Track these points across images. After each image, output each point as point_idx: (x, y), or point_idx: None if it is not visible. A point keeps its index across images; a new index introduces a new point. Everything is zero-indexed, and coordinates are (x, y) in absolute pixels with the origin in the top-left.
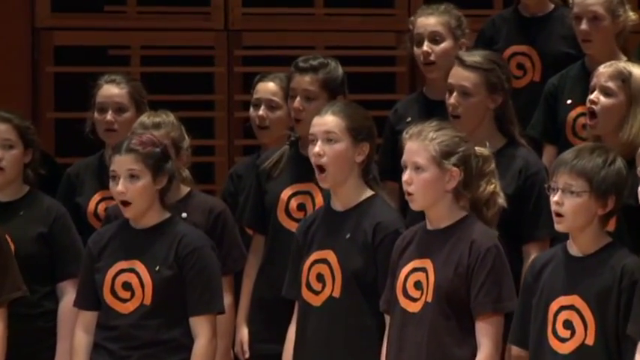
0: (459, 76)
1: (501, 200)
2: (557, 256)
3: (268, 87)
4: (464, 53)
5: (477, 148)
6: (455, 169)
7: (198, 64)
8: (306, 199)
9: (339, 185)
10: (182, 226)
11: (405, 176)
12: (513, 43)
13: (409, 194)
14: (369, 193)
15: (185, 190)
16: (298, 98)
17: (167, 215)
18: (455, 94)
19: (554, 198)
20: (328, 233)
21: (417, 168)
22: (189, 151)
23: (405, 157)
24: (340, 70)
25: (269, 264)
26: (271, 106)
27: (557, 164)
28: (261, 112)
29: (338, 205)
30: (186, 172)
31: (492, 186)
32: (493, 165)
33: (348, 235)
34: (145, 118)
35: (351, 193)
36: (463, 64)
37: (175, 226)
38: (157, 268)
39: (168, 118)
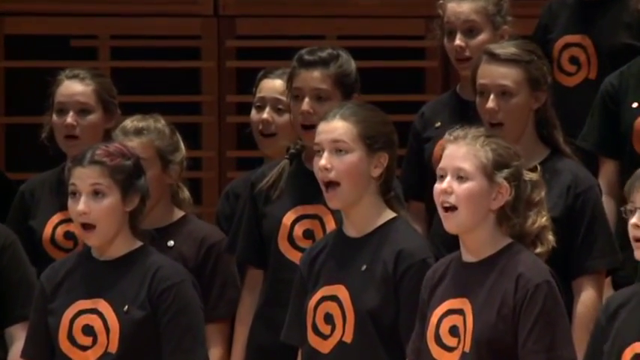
0: (495, 73)
1: (551, 237)
2: (637, 296)
3: (275, 85)
4: (494, 46)
5: (525, 171)
6: (506, 184)
7: (181, 58)
8: (314, 224)
9: (351, 206)
10: (157, 256)
11: (444, 184)
12: (567, 32)
13: (447, 208)
14: (390, 214)
15: (178, 214)
16: (307, 99)
17: (139, 244)
18: (492, 96)
19: (633, 220)
20: (339, 264)
21: (461, 177)
22: (183, 166)
23: (445, 163)
24: (353, 64)
25: (269, 305)
26: (279, 108)
27: (636, 180)
28: (265, 114)
29: (351, 231)
30: (185, 193)
31: (543, 219)
32: (544, 193)
33: (364, 267)
34: (128, 122)
35: (367, 216)
36: (497, 58)
37: (148, 256)
38: (126, 308)
39: (156, 123)
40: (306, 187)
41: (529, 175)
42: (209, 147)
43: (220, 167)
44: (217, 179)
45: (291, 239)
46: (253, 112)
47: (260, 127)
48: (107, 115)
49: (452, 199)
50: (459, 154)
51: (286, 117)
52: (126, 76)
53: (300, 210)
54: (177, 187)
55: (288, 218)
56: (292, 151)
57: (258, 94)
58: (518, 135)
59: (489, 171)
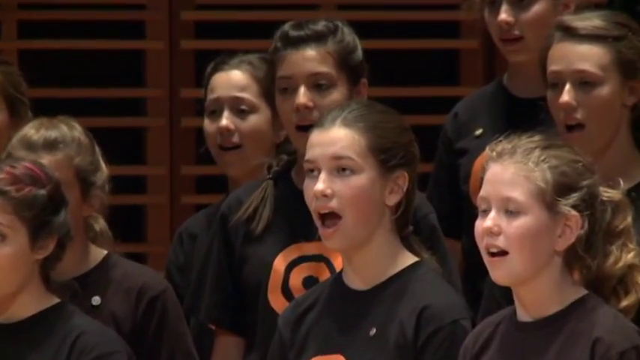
0: (572, 55)
1: None
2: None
3: (232, 78)
4: (570, 18)
5: (602, 189)
6: (575, 214)
7: (117, 37)
8: (318, 269)
9: (357, 246)
10: (79, 318)
11: (489, 222)
12: None
13: (494, 254)
14: (410, 259)
15: (98, 255)
16: (302, 89)
17: (53, 302)
18: (568, 87)
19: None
20: (337, 327)
21: (511, 211)
22: (105, 191)
23: (487, 191)
24: (357, 39)
25: None
26: (241, 109)
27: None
28: (224, 121)
29: (355, 280)
30: (101, 224)
31: (630, 255)
32: (630, 218)
33: (373, 331)
34: (32, 132)
35: (377, 260)
36: (575, 34)
37: (67, 318)
38: None
39: (72, 132)
40: (303, 217)
41: (608, 194)
42: (156, 161)
43: (172, 189)
44: (168, 206)
45: (286, 291)
46: (207, 121)
47: (218, 139)
48: (14, 118)
49: (500, 242)
50: (506, 178)
51: (253, 120)
52: (38, 64)
53: (296, 250)
54: (90, 216)
55: (281, 262)
56: (276, 168)
57: (211, 96)
58: (607, 141)
59: (550, 199)
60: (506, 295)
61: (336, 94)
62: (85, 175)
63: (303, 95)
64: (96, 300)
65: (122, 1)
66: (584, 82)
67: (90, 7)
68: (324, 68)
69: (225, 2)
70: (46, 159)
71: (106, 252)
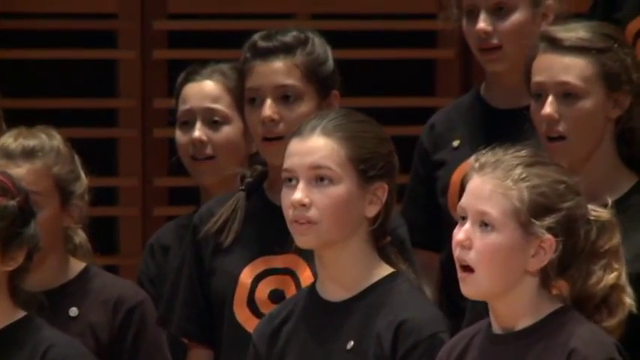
0: (555, 66)
1: (629, 300)
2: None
3: (205, 89)
4: (557, 28)
5: (591, 207)
6: (549, 237)
7: (89, 46)
8: (284, 282)
9: (330, 245)
10: (48, 331)
11: (461, 234)
12: None
13: (465, 267)
14: (386, 269)
15: (76, 267)
16: (268, 101)
17: (20, 315)
18: (551, 99)
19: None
20: (315, 340)
21: (486, 224)
22: (85, 201)
23: (466, 201)
24: (329, 50)
25: None
26: (214, 120)
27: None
28: (196, 132)
29: (330, 291)
30: (80, 237)
31: (613, 275)
32: (617, 239)
33: (350, 345)
34: (10, 140)
35: (353, 269)
36: (559, 45)
37: (35, 332)
38: None
39: (52, 141)
40: (272, 230)
41: (596, 213)
42: (128, 172)
43: (144, 201)
44: (140, 218)
45: (252, 305)
46: (178, 132)
47: (191, 150)
48: None
49: (469, 258)
50: (484, 193)
51: (226, 132)
52: (8, 72)
53: (263, 262)
54: (69, 228)
55: (248, 274)
56: (249, 179)
57: (183, 107)
58: (588, 154)
59: (524, 219)
60: (487, 308)
61: (304, 107)
62: (65, 185)
63: (268, 108)
64: (73, 311)
65: (94, 10)
66: (567, 94)
67: (61, 16)
68: (290, 80)
69: (198, 11)
70: (24, 167)
71: (84, 264)
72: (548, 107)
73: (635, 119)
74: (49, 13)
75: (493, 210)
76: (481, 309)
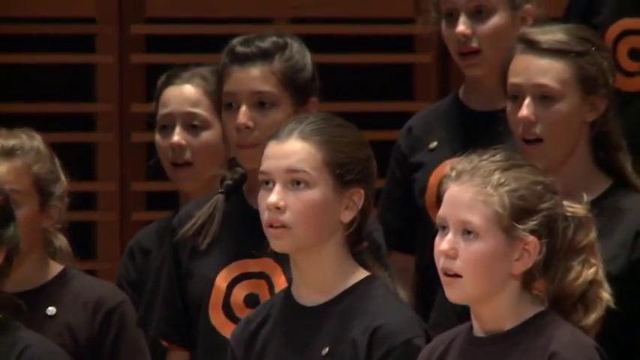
0: (532, 69)
1: (607, 295)
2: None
3: (184, 93)
4: (535, 31)
5: (567, 203)
6: (533, 239)
7: (66, 50)
8: (259, 286)
9: (305, 249)
10: (24, 332)
11: (445, 244)
12: (624, 14)
13: (449, 275)
14: (361, 274)
15: (55, 269)
16: (244, 107)
17: None
18: (527, 101)
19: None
20: (291, 345)
21: (468, 232)
22: (65, 202)
23: (445, 211)
24: (308, 56)
25: None
26: (193, 124)
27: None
28: (176, 137)
29: (305, 295)
30: (61, 240)
31: (592, 270)
32: (594, 234)
33: (325, 350)
34: None
35: (328, 273)
36: (537, 48)
37: (12, 333)
38: None
39: (32, 141)
40: (249, 234)
41: (572, 209)
42: (106, 177)
43: (123, 206)
44: (119, 222)
45: (227, 308)
46: (158, 136)
47: (170, 154)
48: None
49: (456, 267)
50: (464, 202)
51: (205, 137)
52: None
53: (238, 266)
54: (49, 231)
55: (223, 278)
56: (228, 182)
57: (163, 110)
58: (564, 156)
59: (507, 224)
60: (455, 310)
61: (280, 114)
62: (44, 184)
63: (243, 115)
64: (50, 310)
65: (71, 14)
66: (544, 97)
67: (39, 20)
68: (266, 87)
69: (176, 16)
70: (4, 166)
71: (62, 267)
72: (525, 109)
73: (611, 123)
74: (27, 17)
75: (475, 218)
76: (449, 309)
